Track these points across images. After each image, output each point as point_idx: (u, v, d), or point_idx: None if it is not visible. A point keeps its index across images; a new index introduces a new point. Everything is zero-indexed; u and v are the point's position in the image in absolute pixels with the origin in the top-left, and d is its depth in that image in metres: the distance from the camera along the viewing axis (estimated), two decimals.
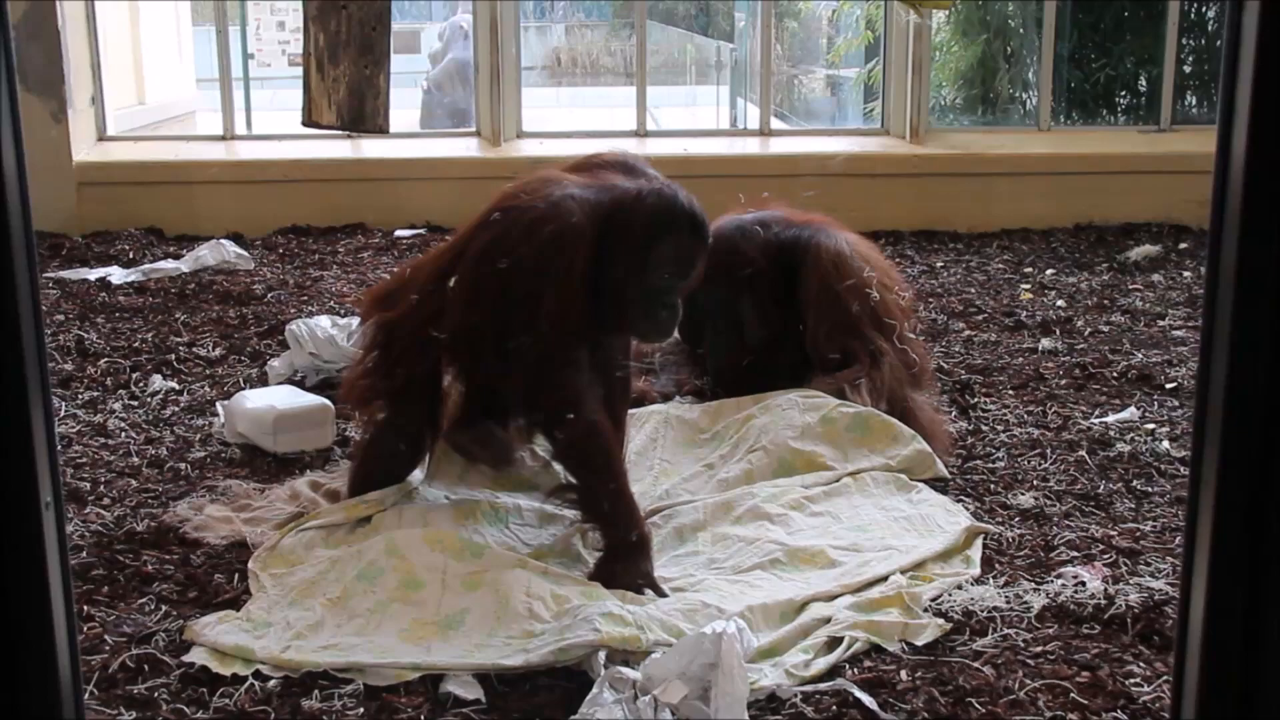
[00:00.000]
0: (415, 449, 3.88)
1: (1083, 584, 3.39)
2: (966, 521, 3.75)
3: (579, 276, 3.48)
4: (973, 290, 6.74)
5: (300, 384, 4.95)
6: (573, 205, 3.48)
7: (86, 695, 2.89)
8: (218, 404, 4.80)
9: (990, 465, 4.30)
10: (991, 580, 3.46)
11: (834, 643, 3.11)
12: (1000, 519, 3.88)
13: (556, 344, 3.49)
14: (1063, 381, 5.18)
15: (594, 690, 2.83)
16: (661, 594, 3.37)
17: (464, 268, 3.59)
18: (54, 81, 7.78)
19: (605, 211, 3.53)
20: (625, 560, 3.43)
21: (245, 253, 7.22)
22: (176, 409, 4.88)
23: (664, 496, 4.01)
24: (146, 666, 3.06)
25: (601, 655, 2.95)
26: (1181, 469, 4.20)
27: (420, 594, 3.32)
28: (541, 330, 3.46)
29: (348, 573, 3.38)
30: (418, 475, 3.99)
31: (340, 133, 7.68)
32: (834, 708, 2.86)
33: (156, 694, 2.95)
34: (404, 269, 3.96)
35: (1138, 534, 3.76)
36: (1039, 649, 3.11)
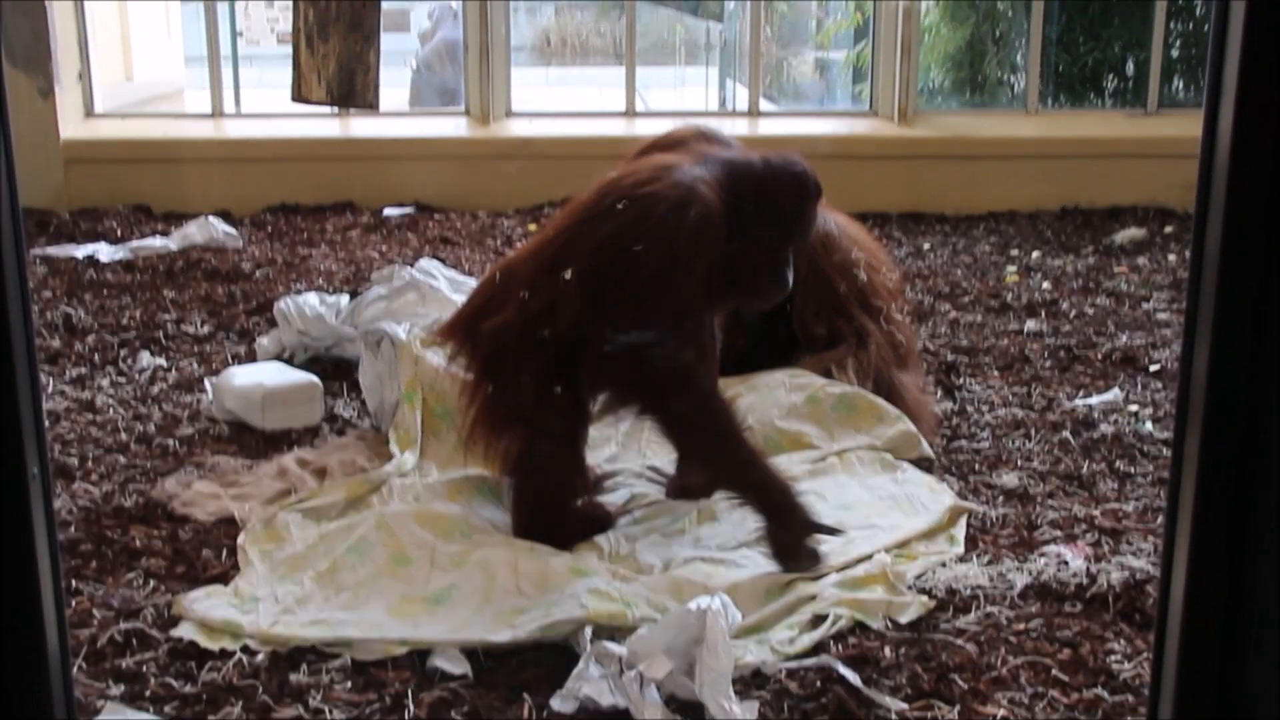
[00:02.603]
0: (576, 445, 3.72)
1: (1065, 563, 3.42)
2: (951, 501, 3.78)
3: (712, 255, 3.45)
4: (959, 272, 6.77)
5: (289, 361, 4.96)
6: (704, 188, 3.42)
7: (75, 669, 2.90)
8: (206, 381, 4.81)
9: (975, 445, 4.33)
10: (975, 558, 3.48)
11: (819, 620, 3.13)
12: (984, 498, 3.91)
13: (683, 324, 3.48)
14: (1047, 363, 5.21)
15: (580, 665, 2.86)
16: (835, 533, 3.45)
17: (584, 259, 3.45)
18: (41, 57, 7.75)
19: (729, 185, 3.51)
20: (789, 522, 3.42)
21: (233, 230, 7.21)
22: (164, 386, 4.89)
23: (651, 474, 4.02)
24: (135, 641, 3.08)
25: (588, 631, 2.97)
26: (1164, 450, 4.23)
27: (408, 570, 3.34)
28: (672, 313, 3.43)
29: (337, 547, 3.41)
30: (410, 457, 4.00)
31: (329, 110, 7.69)
32: (818, 683, 2.88)
33: (145, 668, 2.97)
34: (491, 274, 3.75)
35: (1120, 514, 3.79)
36: (1021, 626, 3.13)
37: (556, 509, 3.59)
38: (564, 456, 3.65)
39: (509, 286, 3.60)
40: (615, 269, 3.40)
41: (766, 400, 4.27)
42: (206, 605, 3.18)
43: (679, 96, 14.42)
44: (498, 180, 8.06)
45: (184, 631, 3.10)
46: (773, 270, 3.63)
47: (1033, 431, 4.43)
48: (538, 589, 3.21)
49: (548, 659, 3.00)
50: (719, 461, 3.55)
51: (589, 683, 2.83)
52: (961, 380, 4.97)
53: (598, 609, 3.04)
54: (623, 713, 2.76)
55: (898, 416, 4.22)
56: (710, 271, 3.46)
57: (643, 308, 3.42)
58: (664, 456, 4.04)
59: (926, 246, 7.37)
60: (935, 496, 3.82)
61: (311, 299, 5.25)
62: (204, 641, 3.06)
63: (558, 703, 2.82)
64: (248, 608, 3.19)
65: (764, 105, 9.07)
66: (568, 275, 3.44)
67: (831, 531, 3.44)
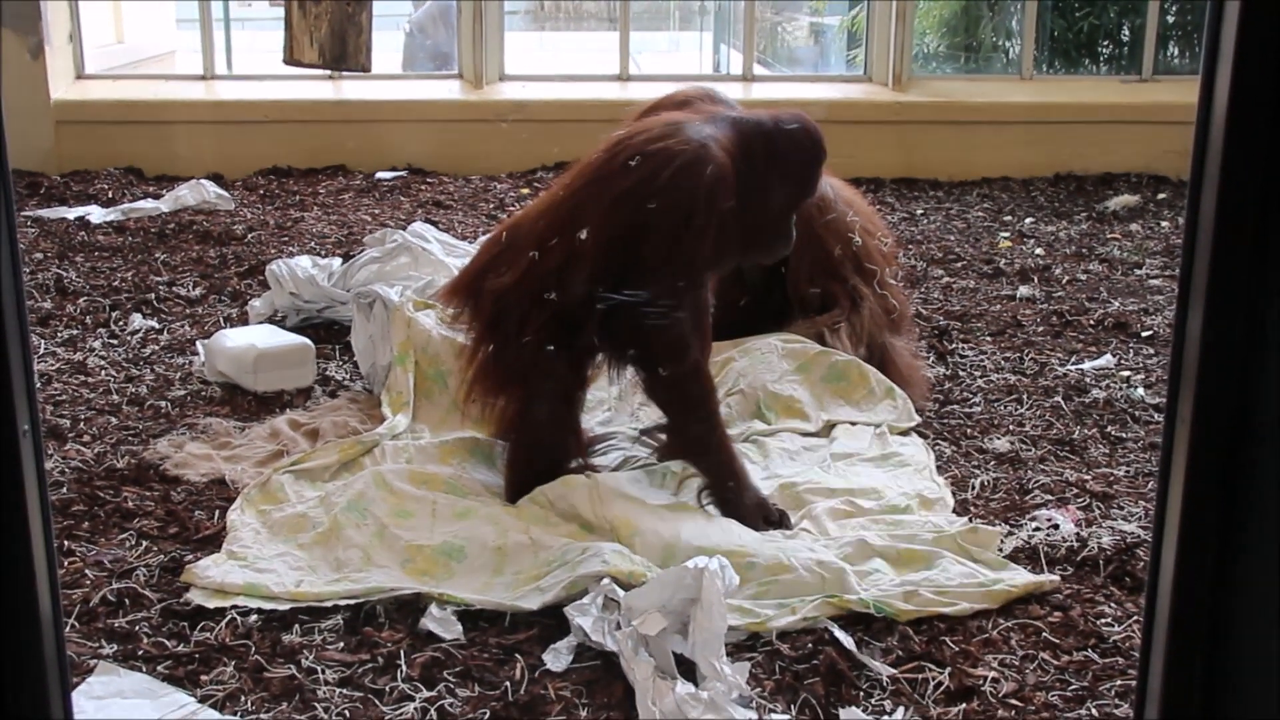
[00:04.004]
0: (572, 407, 3.70)
1: (1056, 526, 3.43)
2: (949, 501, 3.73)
3: (723, 212, 3.45)
4: (952, 237, 6.76)
5: (281, 324, 4.95)
6: (715, 145, 3.43)
7: (67, 629, 2.90)
8: (198, 343, 4.80)
9: (967, 410, 4.33)
10: (968, 522, 3.49)
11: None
12: (976, 463, 3.91)
13: (693, 282, 3.49)
14: (1040, 328, 5.21)
15: (584, 599, 2.93)
16: (780, 522, 3.47)
17: (598, 217, 3.44)
18: (31, 17, 7.70)
19: (740, 143, 3.52)
20: (734, 503, 3.48)
21: (225, 193, 7.19)
22: (156, 348, 4.88)
23: (645, 438, 4.02)
24: (127, 600, 3.08)
25: (604, 581, 3.00)
26: (1155, 415, 4.24)
27: (410, 521, 3.36)
28: (684, 270, 3.44)
29: (336, 505, 3.41)
30: (402, 419, 4.01)
31: (322, 73, 7.66)
32: (810, 645, 2.89)
33: (137, 627, 2.97)
34: (497, 234, 3.73)
35: (1111, 478, 3.80)
36: None
37: (550, 471, 3.59)
38: (560, 418, 3.65)
39: (516, 247, 3.59)
40: (629, 226, 3.40)
41: (759, 364, 4.27)
42: (223, 570, 3.18)
43: (673, 61, 14.36)
44: (491, 144, 8.04)
45: (194, 597, 3.09)
46: (778, 226, 3.66)
47: (1025, 396, 4.44)
48: (559, 546, 3.23)
49: (539, 620, 3.01)
50: (689, 433, 3.56)
51: (588, 618, 2.85)
52: (954, 345, 4.98)
53: (620, 566, 3.07)
54: (611, 656, 2.80)
55: (888, 389, 4.21)
56: (720, 228, 3.46)
57: (655, 265, 3.42)
58: (656, 420, 4.03)
59: (920, 212, 7.36)
60: (922, 480, 3.78)
61: (304, 262, 5.24)
62: (216, 603, 3.06)
63: (550, 659, 2.83)
64: (262, 566, 3.19)
65: (758, 70, 9.05)
66: (583, 235, 3.43)
67: (779, 523, 3.46)
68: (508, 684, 2.76)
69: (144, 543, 3.38)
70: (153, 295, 5.46)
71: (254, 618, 3.01)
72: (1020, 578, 3.16)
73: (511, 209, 6.85)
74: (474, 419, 3.78)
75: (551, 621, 2.99)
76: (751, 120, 3.61)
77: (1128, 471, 3.86)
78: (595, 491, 3.42)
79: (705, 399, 3.55)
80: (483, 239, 4.42)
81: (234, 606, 3.04)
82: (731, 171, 3.43)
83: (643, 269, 3.42)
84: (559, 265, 3.46)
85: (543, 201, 3.70)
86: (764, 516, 3.47)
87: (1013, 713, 2.69)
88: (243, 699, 2.72)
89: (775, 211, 3.62)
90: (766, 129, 3.60)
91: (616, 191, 3.42)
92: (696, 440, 3.57)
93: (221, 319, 5.22)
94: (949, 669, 2.81)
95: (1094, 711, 2.70)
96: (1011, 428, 4.18)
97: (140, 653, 2.87)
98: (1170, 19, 9.60)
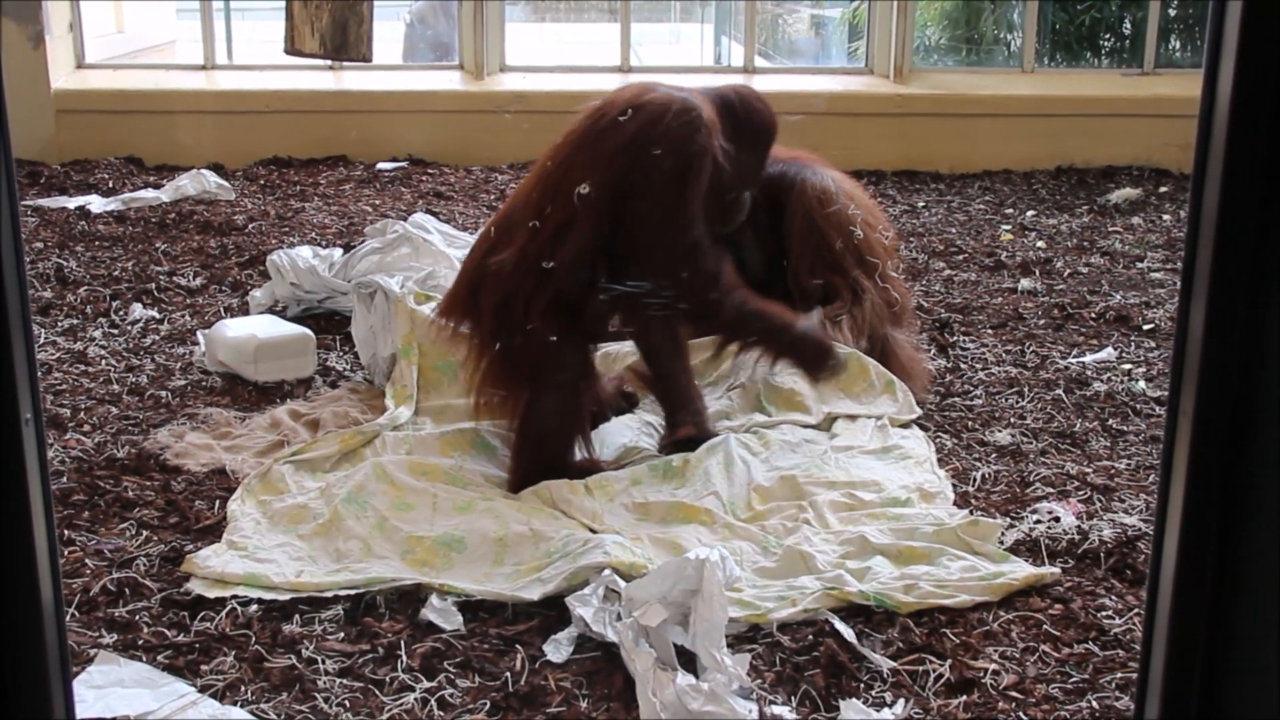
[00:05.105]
0: (579, 398, 3.69)
1: (1057, 519, 3.43)
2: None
3: (714, 160, 3.59)
4: (954, 230, 6.76)
5: (281, 314, 4.94)
6: (698, 98, 3.59)
7: (68, 618, 2.90)
8: (199, 333, 4.80)
9: (968, 403, 4.33)
10: (968, 515, 3.49)
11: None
12: (977, 455, 3.91)
13: (700, 220, 3.59)
14: (1041, 321, 5.21)
15: (586, 589, 2.94)
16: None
17: (599, 172, 3.52)
18: (31, 7, 7.69)
19: (710, 105, 3.64)
20: (798, 346, 3.81)
21: (226, 183, 7.18)
22: (157, 337, 4.87)
23: (644, 429, 4.02)
24: (128, 590, 3.08)
25: (605, 572, 3.00)
26: (1157, 408, 4.24)
27: (410, 514, 3.36)
28: (695, 209, 3.54)
29: (336, 496, 3.42)
30: (405, 411, 4.00)
31: (322, 63, 7.65)
32: (810, 637, 2.89)
33: (138, 617, 2.97)
34: (485, 232, 3.78)
35: (1112, 471, 3.80)
36: None
37: (555, 463, 3.60)
38: (567, 409, 3.66)
39: (510, 229, 3.63)
40: (633, 175, 3.48)
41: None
42: (223, 560, 3.17)
43: (674, 53, 14.34)
44: (492, 134, 8.03)
45: (195, 587, 3.09)
46: (739, 190, 3.78)
47: (1026, 389, 4.43)
48: (560, 536, 3.24)
49: (539, 611, 3.01)
50: (760, 328, 3.76)
51: (589, 609, 2.85)
52: (955, 338, 4.97)
53: (620, 558, 3.07)
54: (611, 647, 2.80)
55: (888, 382, 4.21)
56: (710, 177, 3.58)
57: (668, 207, 3.49)
58: (657, 412, 4.04)
59: (921, 204, 7.35)
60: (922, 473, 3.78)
61: (304, 252, 5.23)
62: (217, 592, 3.06)
63: (551, 650, 2.83)
64: (262, 556, 3.19)
65: (759, 62, 9.04)
66: (584, 189, 3.50)
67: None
68: (508, 675, 2.76)
69: (144, 532, 3.38)
70: (153, 285, 5.46)
71: (254, 608, 3.01)
72: (1021, 570, 3.16)
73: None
74: (486, 414, 3.80)
75: (552, 612, 2.99)
76: (713, 90, 3.75)
77: (1129, 464, 3.86)
78: (596, 510, 3.44)
79: (759, 307, 3.72)
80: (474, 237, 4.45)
81: (234, 596, 3.04)
82: (716, 123, 3.57)
83: (654, 214, 3.50)
84: (559, 229, 3.52)
85: (529, 180, 3.75)
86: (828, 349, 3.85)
87: (1013, 705, 2.69)
88: (243, 689, 2.72)
89: (736, 177, 3.71)
90: (728, 97, 3.74)
91: (614, 144, 3.51)
92: (777, 336, 3.77)
93: (222, 309, 5.21)
94: (949, 661, 2.81)
95: (1094, 704, 2.70)
96: (1013, 420, 4.18)
97: (140, 642, 2.87)
98: (1172, 12, 9.59)
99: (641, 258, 3.55)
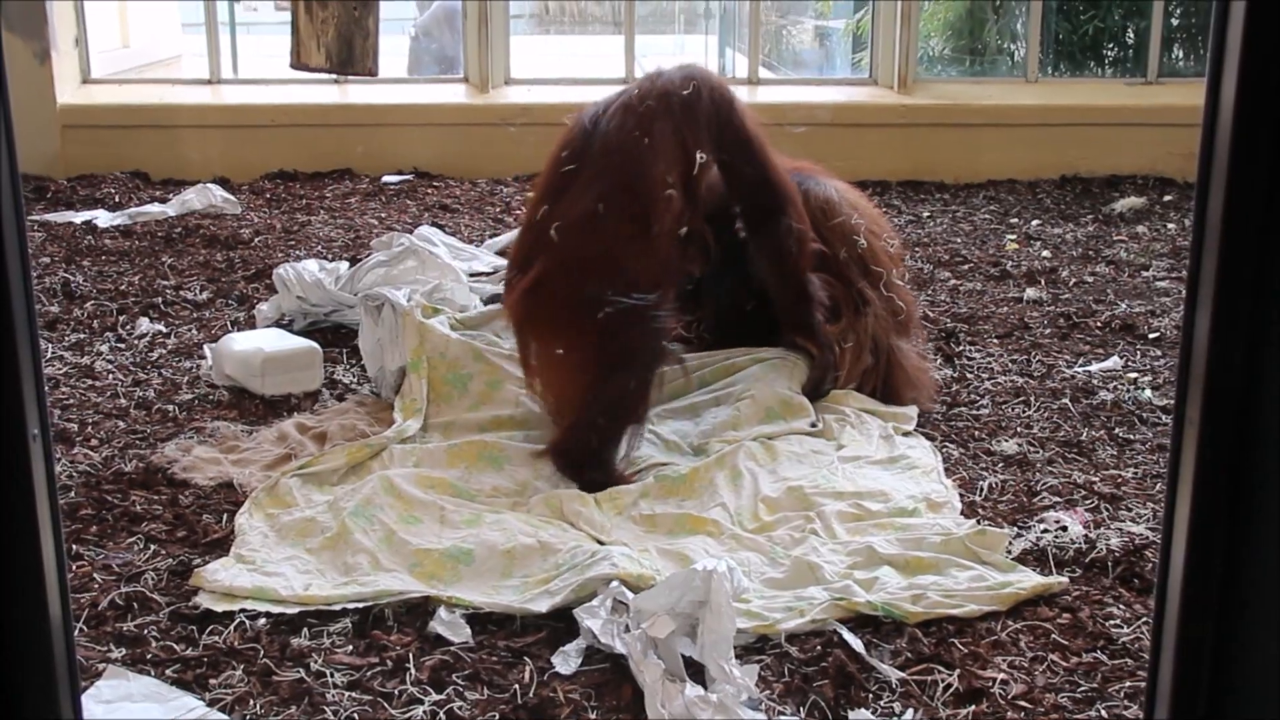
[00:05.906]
0: (655, 385, 3.79)
1: (1064, 528, 3.43)
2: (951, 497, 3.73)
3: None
4: (959, 240, 6.76)
5: (288, 327, 4.95)
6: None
7: (76, 633, 2.91)
8: (205, 346, 4.81)
9: (974, 412, 4.33)
10: (976, 524, 3.49)
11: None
12: (984, 465, 3.91)
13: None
14: (1047, 330, 5.21)
15: (594, 600, 2.94)
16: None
17: (668, 156, 3.80)
18: (37, 22, 7.71)
19: None
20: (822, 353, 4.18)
21: (232, 197, 7.20)
22: (164, 351, 4.88)
23: (653, 438, 4.02)
24: (136, 605, 3.09)
25: (613, 584, 3.00)
26: (1163, 417, 4.24)
27: (418, 527, 3.37)
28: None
29: (344, 509, 3.42)
30: (413, 424, 4.00)
31: (328, 77, 7.66)
32: (818, 648, 2.89)
33: (146, 631, 2.98)
34: (517, 247, 3.97)
35: (1119, 480, 3.80)
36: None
37: (613, 438, 3.69)
38: (643, 391, 3.71)
39: (550, 241, 3.80)
40: (727, 132, 3.91)
41: (771, 372, 4.23)
42: (231, 574, 3.18)
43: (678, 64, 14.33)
44: (497, 147, 8.04)
45: (202, 600, 3.09)
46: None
47: (1032, 398, 4.43)
48: (567, 548, 3.24)
49: (548, 623, 3.01)
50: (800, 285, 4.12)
51: (597, 620, 2.85)
52: (961, 347, 4.98)
53: (628, 569, 3.07)
54: (620, 659, 2.80)
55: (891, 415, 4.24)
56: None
57: (752, 136, 4.00)
58: (658, 420, 4.04)
59: (926, 214, 7.36)
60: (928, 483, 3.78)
61: (311, 265, 5.25)
62: (224, 606, 3.06)
63: (559, 662, 2.84)
64: (270, 570, 3.20)
65: (763, 73, 9.05)
66: (702, 158, 3.83)
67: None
68: (516, 687, 2.76)
69: (152, 546, 3.38)
70: (160, 299, 5.47)
71: (262, 621, 3.01)
72: (1029, 579, 3.16)
73: (518, 212, 6.85)
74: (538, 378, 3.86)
75: (560, 624, 2.99)
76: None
77: (1136, 473, 3.86)
78: (604, 522, 3.45)
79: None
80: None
81: (242, 610, 3.05)
82: None
83: (767, 157, 4.00)
84: (655, 214, 3.73)
85: (534, 196, 4.03)
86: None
87: (1022, 714, 2.69)
88: (251, 702, 2.72)
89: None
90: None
91: (673, 126, 3.80)
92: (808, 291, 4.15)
93: (229, 323, 5.22)
94: (958, 671, 2.81)
95: (1103, 713, 2.70)
96: (1019, 430, 4.18)
97: (149, 656, 2.88)
98: (1175, 21, 9.60)
99: (772, 194, 3.99)
